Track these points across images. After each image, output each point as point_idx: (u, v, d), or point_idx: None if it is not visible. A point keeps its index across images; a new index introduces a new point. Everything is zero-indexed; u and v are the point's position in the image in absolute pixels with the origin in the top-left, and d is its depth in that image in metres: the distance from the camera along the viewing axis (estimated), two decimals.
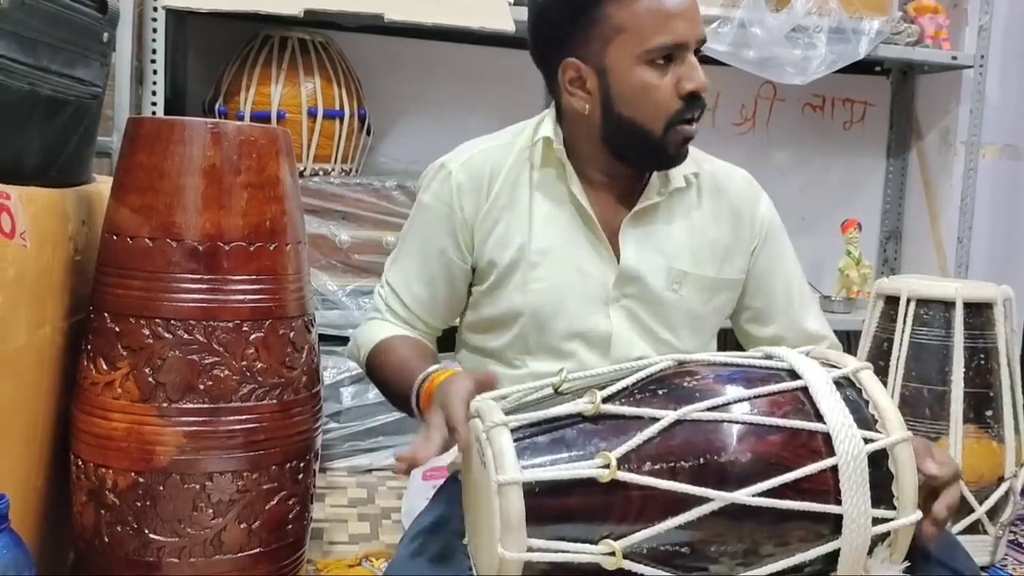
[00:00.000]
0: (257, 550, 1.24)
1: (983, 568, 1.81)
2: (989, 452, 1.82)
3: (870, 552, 1.08)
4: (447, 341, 1.48)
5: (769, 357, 1.18)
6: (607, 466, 1.03)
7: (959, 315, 1.82)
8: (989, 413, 1.82)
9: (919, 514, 1.08)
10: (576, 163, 1.32)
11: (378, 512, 1.98)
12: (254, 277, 1.22)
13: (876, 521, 1.06)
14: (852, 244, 2.70)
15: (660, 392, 1.11)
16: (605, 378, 1.13)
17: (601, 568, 1.03)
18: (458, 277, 1.36)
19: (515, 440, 1.05)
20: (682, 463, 1.05)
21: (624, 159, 1.31)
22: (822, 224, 2.85)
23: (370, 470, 2.27)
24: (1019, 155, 2.77)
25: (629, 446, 1.04)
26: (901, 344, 1.85)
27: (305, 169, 2.25)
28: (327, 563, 1.65)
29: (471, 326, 1.40)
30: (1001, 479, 1.82)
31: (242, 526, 1.22)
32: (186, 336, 1.18)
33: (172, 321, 1.18)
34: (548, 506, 1.04)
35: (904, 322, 1.85)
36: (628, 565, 1.02)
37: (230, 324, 1.20)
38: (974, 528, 1.81)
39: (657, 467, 1.04)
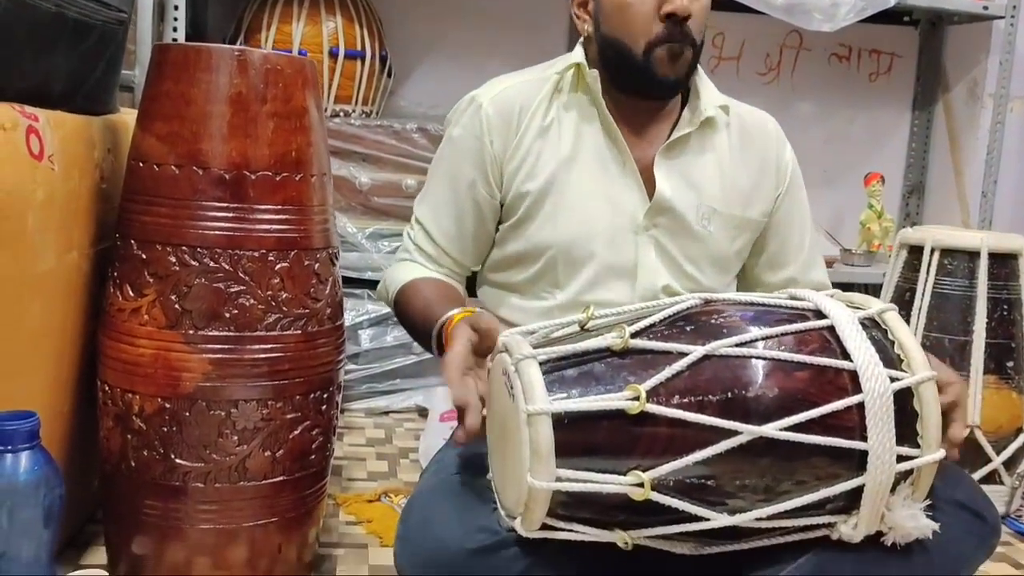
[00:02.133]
0: (281, 478, 1.25)
1: None
2: (1009, 403, 1.81)
3: (893, 489, 1.09)
4: (472, 284, 1.48)
5: (794, 298, 1.19)
6: (636, 398, 1.03)
7: (983, 265, 1.80)
8: (1010, 364, 1.81)
9: (942, 452, 1.09)
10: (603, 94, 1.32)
11: (396, 452, 2.00)
12: (280, 207, 1.21)
13: (900, 459, 1.07)
14: (875, 197, 2.68)
15: (688, 328, 1.11)
16: (632, 315, 1.14)
17: (629, 499, 1.03)
18: (487, 212, 1.36)
19: (544, 373, 1.06)
20: (710, 397, 1.05)
21: (621, 87, 1.31)
22: (844, 177, 2.83)
23: (387, 412, 2.28)
24: None
25: (658, 379, 1.04)
26: (924, 294, 1.84)
27: (325, 110, 2.24)
28: (347, 497, 1.66)
29: (494, 264, 1.40)
30: (1020, 430, 1.81)
31: (266, 454, 1.23)
32: (212, 264, 1.18)
33: (198, 249, 1.18)
34: (577, 437, 1.04)
35: (927, 272, 1.84)
36: (656, 497, 1.03)
37: (255, 253, 1.20)
38: (991, 478, 1.81)
39: (686, 400, 1.05)
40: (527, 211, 1.33)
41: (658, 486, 1.03)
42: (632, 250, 1.32)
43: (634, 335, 1.09)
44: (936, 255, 1.84)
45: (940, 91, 2.88)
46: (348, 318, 2.24)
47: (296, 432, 1.25)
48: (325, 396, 1.29)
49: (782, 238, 1.45)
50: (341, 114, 2.27)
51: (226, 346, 1.19)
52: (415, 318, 1.33)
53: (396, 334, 2.26)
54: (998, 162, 2.60)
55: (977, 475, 1.78)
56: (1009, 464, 1.81)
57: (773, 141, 1.43)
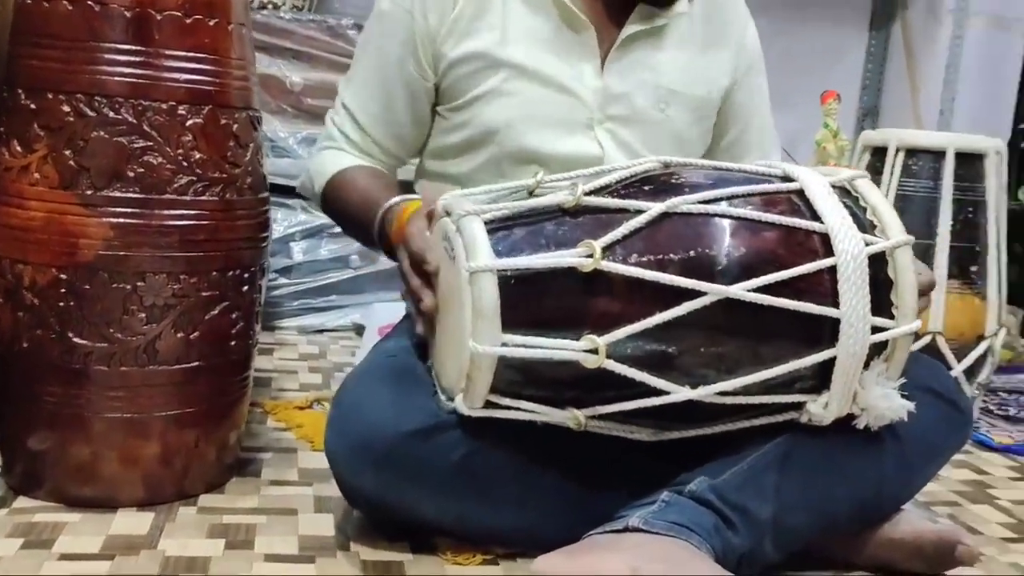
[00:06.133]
0: (196, 363, 1.12)
1: None
2: (971, 309, 1.75)
3: (866, 366, 1.00)
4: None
5: (759, 164, 1.10)
6: (591, 255, 0.93)
7: (949, 166, 1.72)
8: (974, 269, 1.75)
9: (918, 323, 1.01)
10: None
11: (331, 366, 1.87)
12: (191, 54, 1.07)
13: (874, 330, 0.98)
14: (830, 116, 2.58)
15: (646, 188, 1.02)
16: (585, 178, 1.03)
17: (581, 370, 0.93)
18: (419, 95, 1.23)
19: (488, 232, 0.95)
20: (671, 256, 0.96)
21: None
22: (798, 96, 2.73)
23: (322, 330, 2.15)
24: (1006, 26, 2.67)
25: (614, 236, 0.95)
26: (887, 196, 1.76)
27: (253, 1, 2.07)
28: (275, 405, 1.54)
29: (436, 152, 1.28)
30: (981, 337, 1.75)
31: (179, 335, 1.09)
32: (112, 115, 1.04)
33: (96, 97, 1.03)
34: (525, 299, 0.94)
35: (891, 173, 1.76)
36: (611, 366, 0.93)
37: (164, 105, 1.06)
38: None
39: (644, 259, 0.95)
40: (468, 97, 1.21)
41: (614, 355, 0.93)
42: (592, 144, 1.22)
43: (588, 194, 0.98)
44: (900, 155, 1.76)
45: (899, 8, 2.80)
46: (279, 230, 2.10)
47: (213, 313, 1.12)
48: (246, 276, 1.16)
49: (743, 124, 1.38)
50: (270, 6, 2.10)
51: (130, 209, 1.05)
52: (351, 209, 1.22)
53: (331, 247, 2.13)
54: (956, 79, 2.54)
55: None
56: (970, 372, 1.75)
57: (739, 20, 1.35)
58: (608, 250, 0.94)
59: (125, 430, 1.10)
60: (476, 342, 0.92)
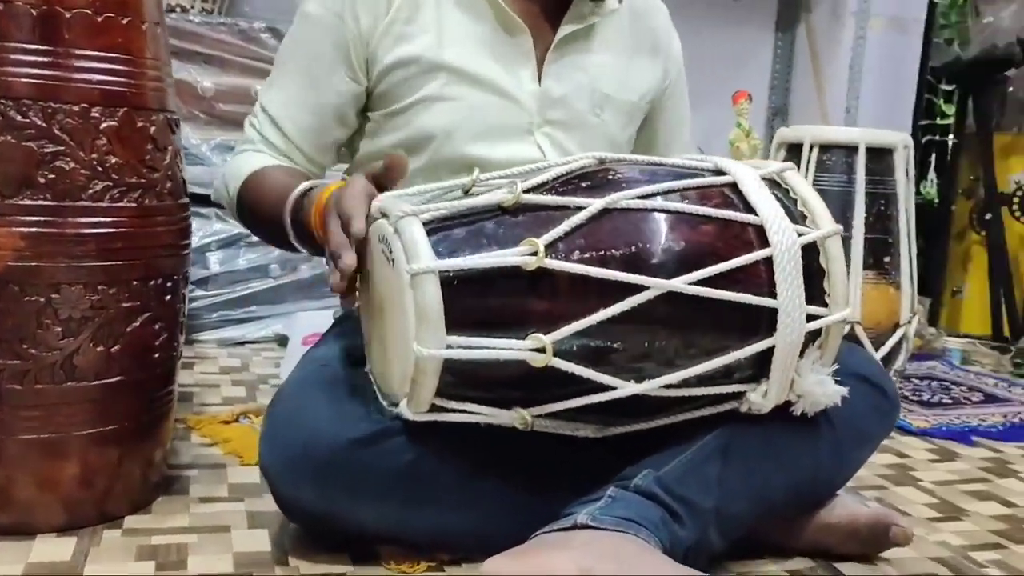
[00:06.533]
0: (118, 378, 1.06)
1: None
2: (887, 298, 1.81)
3: (801, 354, 1.02)
4: None
5: (691, 159, 1.11)
6: (534, 253, 0.91)
7: (861, 160, 1.78)
8: (887, 259, 1.81)
9: (850, 310, 1.03)
10: None
11: (254, 378, 1.81)
12: (103, 54, 1.02)
13: (809, 318, 1.00)
14: (743, 116, 2.64)
15: (584, 185, 1.01)
16: (521, 176, 1.02)
17: (527, 370, 0.92)
18: (349, 103, 1.19)
19: (428, 233, 0.93)
20: (613, 251, 0.95)
21: None
22: (708, 97, 2.78)
23: (243, 343, 2.09)
24: (904, 28, 2.77)
25: (556, 234, 0.94)
26: None
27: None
28: (200, 420, 1.48)
29: (370, 156, 1.24)
30: (897, 325, 1.81)
31: (99, 349, 1.04)
32: (20, 118, 0.98)
33: (2, 100, 0.97)
34: (468, 300, 0.92)
35: (807, 168, 1.81)
36: (557, 363, 0.92)
37: (76, 108, 1.00)
38: None
39: (587, 256, 0.95)
40: (407, 98, 1.17)
41: (560, 352, 0.92)
42: (528, 148, 1.20)
43: (526, 191, 0.97)
44: (815, 151, 1.81)
45: (802, 11, 2.88)
46: (194, 239, 2.01)
47: (135, 324, 1.07)
48: (168, 285, 1.12)
49: (670, 132, 1.39)
50: (178, 9, 2.04)
51: (42, 218, 1.00)
52: (264, 205, 1.13)
53: (250, 256, 2.07)
54: (860, 76, 2.62)
55: None
56: (887, 360, 1.81)
57: (665, 31, 1.35)
58: (551, 247, 0.93)
59: (41, 451, 1.04)
60: (420, 345, 0.89)
